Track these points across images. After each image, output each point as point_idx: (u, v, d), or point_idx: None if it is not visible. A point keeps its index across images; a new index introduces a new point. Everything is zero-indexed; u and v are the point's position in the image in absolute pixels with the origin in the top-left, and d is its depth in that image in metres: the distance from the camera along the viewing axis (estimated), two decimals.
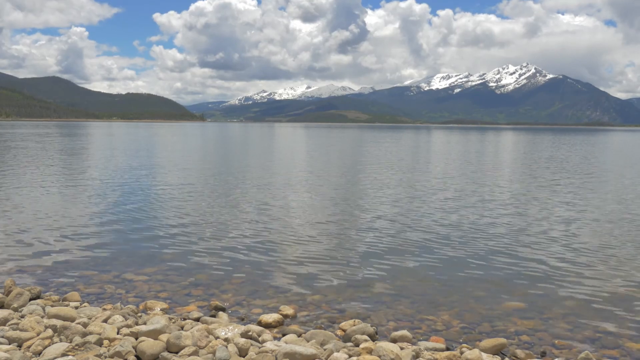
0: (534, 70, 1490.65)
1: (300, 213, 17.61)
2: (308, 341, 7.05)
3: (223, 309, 8.67)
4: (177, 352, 6.50)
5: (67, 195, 20.78)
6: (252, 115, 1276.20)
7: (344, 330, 7.78)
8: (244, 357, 6.57)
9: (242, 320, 8.30)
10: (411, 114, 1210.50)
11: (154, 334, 6.91)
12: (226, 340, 6.90)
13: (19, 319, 7.48)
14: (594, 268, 11.32)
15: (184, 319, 7.99)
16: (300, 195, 21.79)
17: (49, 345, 6.54)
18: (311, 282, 10.21)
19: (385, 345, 6.83)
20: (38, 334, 6.87)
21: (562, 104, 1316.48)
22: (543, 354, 7.24)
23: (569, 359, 7.08)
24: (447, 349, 7.21)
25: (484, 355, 6.93)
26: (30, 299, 8.62)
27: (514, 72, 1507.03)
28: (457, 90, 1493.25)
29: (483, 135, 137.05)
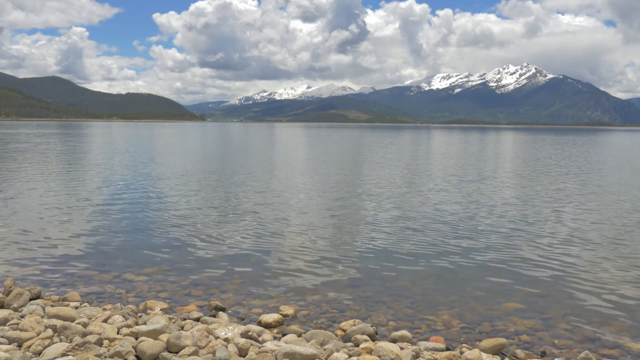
0: (534, 70, 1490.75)
1: (301, 213, 17.61)
2: (308, 341, 7.04)
3: (223, 309, 8.66)
4: (177, 352, 6.50)
5: (67, 195, 20.77)
6: (252, 115, 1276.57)
7: (344, 330, 7.77)
8: (244, 357, 6.57)
9: (242, 320, 8.30)
10: (411, 114, 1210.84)
11: (154, 334, 6.91)
12: (226, 340, 6.90)
13: (19, 319, 7.48)
14: (594, 268, 11.31)
15: (184, 319, 7.99)
16: (301, 196, 21.79)
17: (49, 345, 6.54)
18: (311, 282, 10.21)
19: (385, 345, 6.83)
20: (38, 334, 6.87)
21: (563, 104, 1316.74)
22: (543, 354, 7.24)
23: (569, 359, 7.08)
24: (447, 349, 7.21)
25: (484, 355, 6.93)
26: (30, 299, 8.62)
27: (514, 72, 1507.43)
28: (458, 90, 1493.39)
29: (484, 136, 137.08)
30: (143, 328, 7.03)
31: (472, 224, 15.87)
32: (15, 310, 8.12)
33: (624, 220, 16.64)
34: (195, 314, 8.28)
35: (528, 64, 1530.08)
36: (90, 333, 6.89)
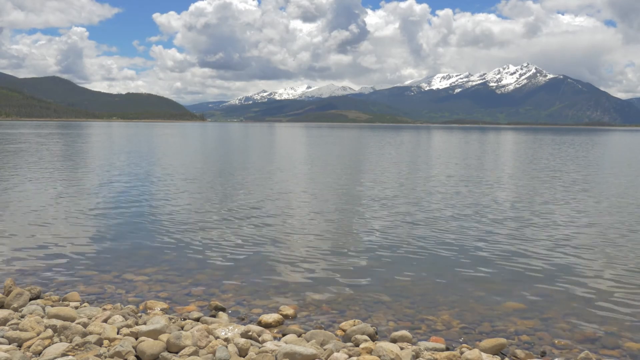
0: (535, 70, 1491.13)
1: (301, 214, 17.61)
2: (308, 341, 7.04)
3: (223, 309, 8.66)
4: (177, 352, 6.50)
5: (67, 195, 20.77)
6: (253, 115, 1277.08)
7: (344, 330, 7.77)
8: (244, 357, 6.57)
9: (242, 320, 8.30)
10: (411, 114, 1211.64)
11: (154, 334, 6.91)
12: (226, 340, 6.90)
13: (19, 319, 7.48)
14: (594, 268, 11.31)
15: (184, 319, 7.99)
16: (301, 197, 21.79)
17: (49, 345, 6.53)
18: (311, 282, 10.21)
19: (385, 345, 6.83)
20: (38, 334, 6.87)
21: (563, 104, 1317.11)
22: (543, 354, 7.24)
23: (569, 359, 7.08)
24: (447, 349, 7.21)
25: (484, 355, 6.93)
26: (30, 299, 8.62)
27: (514, 72, 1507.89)
28: (458, 90, 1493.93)
29: (484, 136, 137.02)
30: (143, 328, 7.02)
31: (472, 225, 15.86)
32: (15, 310, 8.12)
33: (624, 221, 16.62)
34: (195, 314, 8.28)
35: (528, 64, 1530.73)
36: (90, 333, 6.89)
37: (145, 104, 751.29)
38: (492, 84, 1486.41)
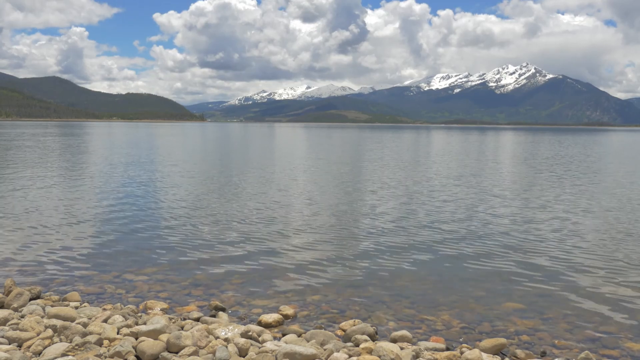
0: (534, 70, 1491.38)
1: (300, 214, 17.61)
2: (308, 341, 7.05)
3: (223, 309, 8.66)
4: (177, 352, 6.50)
5: (67, 195, 20.77)
6: (252, 115, 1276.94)
7: (344, 330, 7.77)
8: (244, 357, 6.57)
9: (242, 320, 8.30)
10: (411, 114, 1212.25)
11: (154, 334, 6.90)
12: (226, 340, 6.90)
13: (19, 319, 7.48)
14: (594, 268, 11.32)
15: (184, 319, 7.99)
16: (301, 196, 21.79)
17: (49, 345, 6.53)
18: (311, 282, 10.21)
19: (385, 345, 6.83)
20: (38, 334, 6.87)
21: (562, 104, 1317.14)
22: (543, 354, 7.24)
23: (569, 359, 7.08)
24: (447, 349, 7.21)
25: (484, 355, 6.93)
26: (30, 299, 8.62)
27: (513, 72, 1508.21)
28: (457, 90, 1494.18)
29: (484, 136, 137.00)
30: (143, 328, 7.02)
31: (472, 225, 15.87)
32: (15, 310, 8.12)
33: (624, 221, 16.63)
34: (195, 314, 8.28)
35: (527, 64, 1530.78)
36: (90, 333, 6.89)
37: (145, 104, 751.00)
38: (491, 84, 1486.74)
